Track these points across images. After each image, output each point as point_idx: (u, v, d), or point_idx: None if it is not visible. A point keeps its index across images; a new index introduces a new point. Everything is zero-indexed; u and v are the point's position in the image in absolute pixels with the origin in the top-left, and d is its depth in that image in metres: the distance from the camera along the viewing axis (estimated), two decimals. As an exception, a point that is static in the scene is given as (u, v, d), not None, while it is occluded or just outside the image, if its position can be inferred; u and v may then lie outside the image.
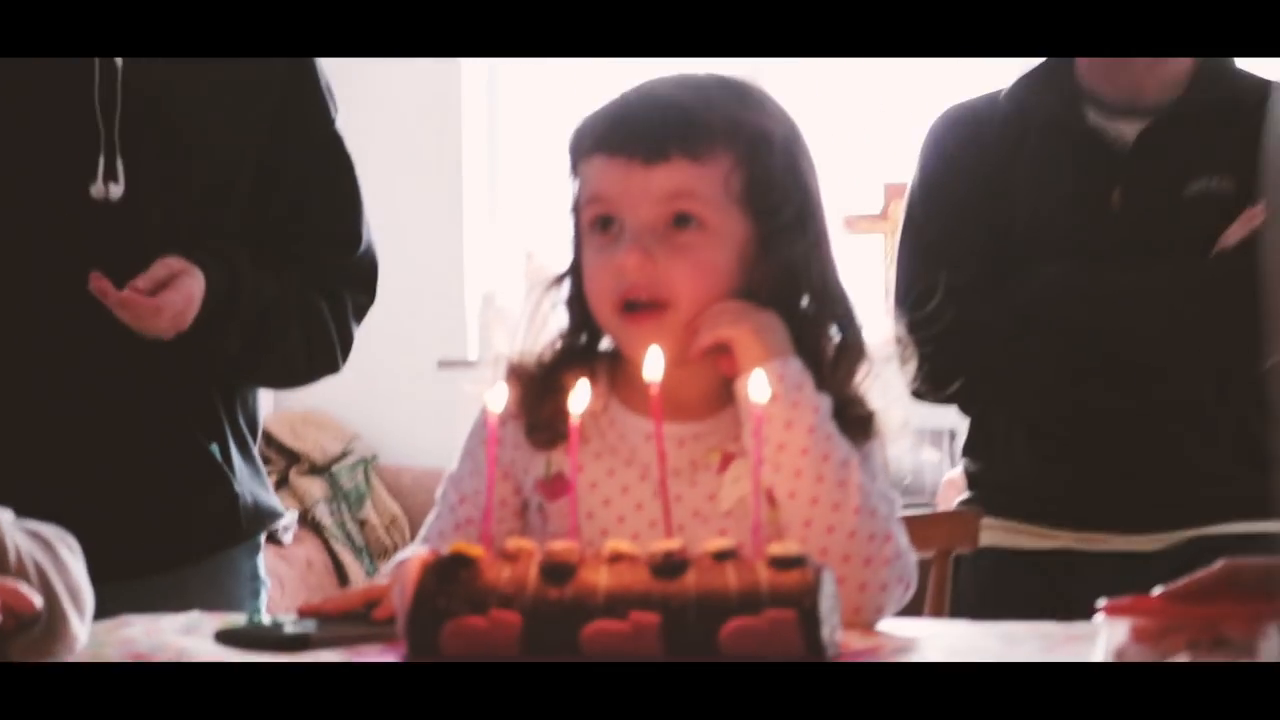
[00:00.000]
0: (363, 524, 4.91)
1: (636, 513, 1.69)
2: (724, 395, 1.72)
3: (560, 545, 1.52)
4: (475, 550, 1.53)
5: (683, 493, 1.69)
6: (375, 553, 4.89)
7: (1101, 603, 1.53)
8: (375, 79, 5.41)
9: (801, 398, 1.68)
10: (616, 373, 1.76)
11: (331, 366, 2.36)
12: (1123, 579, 2.37)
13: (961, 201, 2.53)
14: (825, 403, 1.69)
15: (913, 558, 1.70)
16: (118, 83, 2.17)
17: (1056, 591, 2.34)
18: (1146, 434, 2.43)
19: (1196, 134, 2.47)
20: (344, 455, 5.00)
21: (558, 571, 1.50)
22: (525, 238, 5.29)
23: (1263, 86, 2.53)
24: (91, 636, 1.72)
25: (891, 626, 1.68)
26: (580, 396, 1.58)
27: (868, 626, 1.64)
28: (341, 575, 4.73)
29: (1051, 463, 2.44)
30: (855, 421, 1.72)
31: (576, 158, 1.77)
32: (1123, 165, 2.47)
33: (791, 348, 1.70)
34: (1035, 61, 2.62)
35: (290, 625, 1.68)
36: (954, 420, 4.47)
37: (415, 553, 1.61)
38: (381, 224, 5.33)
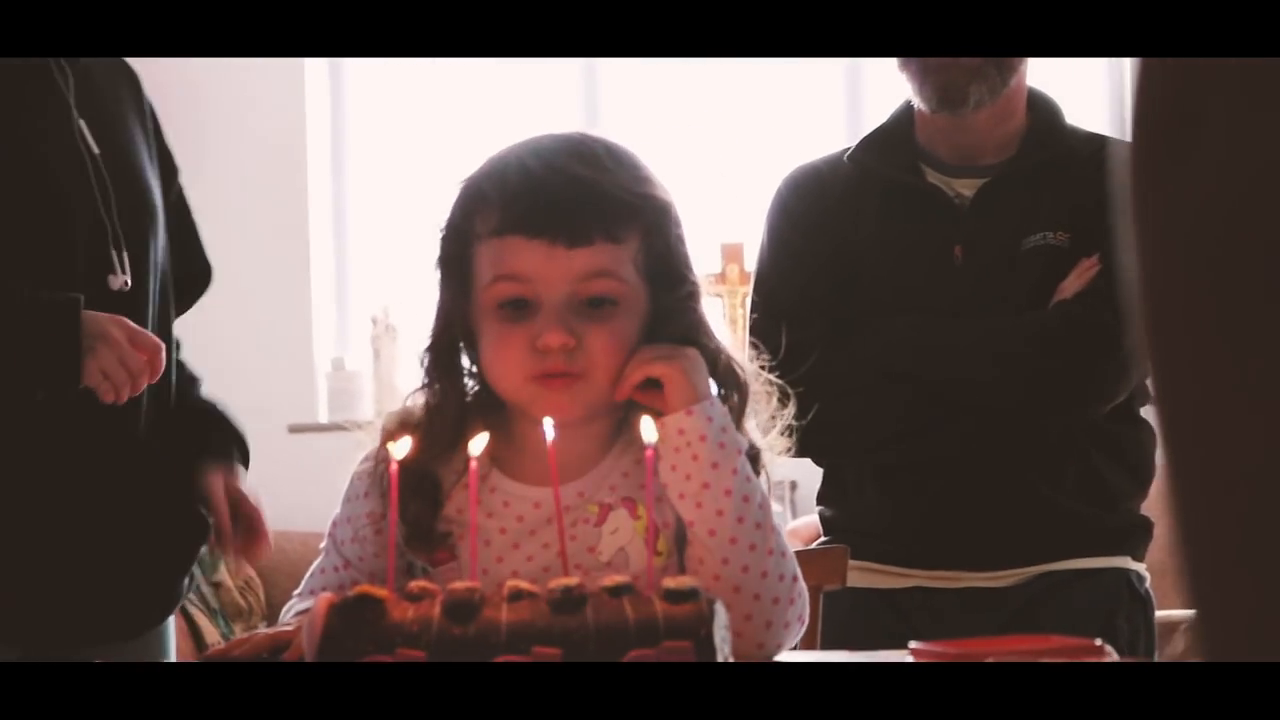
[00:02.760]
0: (217, 586, 4.83)
1: (527, 564, 1.71)
2: (598, 451, 1.75)
3: (462, 585, 1.53)
4: (380, 591, 1.53)
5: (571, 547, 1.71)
6: (230, 615, 4.80)
7: (912, 645, 1.59)
8: (218, 143, 5.38)
9: (728, 439, 1.70)
10: (496, 443, 1.72)
11: None
12: (975, 614, 2.44)
13: (808, 259, 2.57)
14: (745, 445, 1.73)
15: (807, 595, 1.74)
16: (102, 167, 2.18)
17: (913, 627, 2.39)
18: (994, 477, 2.48)
19: (1031, 191, 2.52)
20: (196, 520, 4.93)
21: (461, 609, 1.51)
22: (371, 303, 5.28)
23: (1093, 140, 2.61)
24: None
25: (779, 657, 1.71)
26: (479, 442, 1.59)
27: (769, 658, 1.68)
28: (197, 638, 4.61)
29: (903, 506, 2.49)
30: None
31: (481, 232, 1.74)
32: (962, 222, 2.52)
33: (712, 389, 1.73)
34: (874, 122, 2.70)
35: (195, 672, 1.67)
36: (793, 471, 4.53)
37: (299, 606, 1.63)
38: (229, 290, 5.31)
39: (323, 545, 1.86)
